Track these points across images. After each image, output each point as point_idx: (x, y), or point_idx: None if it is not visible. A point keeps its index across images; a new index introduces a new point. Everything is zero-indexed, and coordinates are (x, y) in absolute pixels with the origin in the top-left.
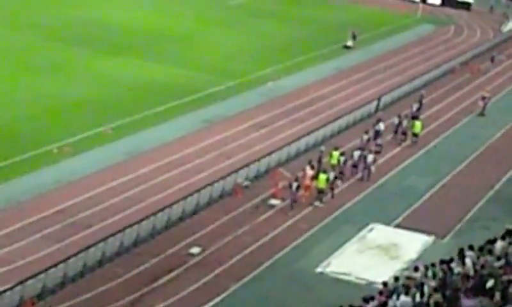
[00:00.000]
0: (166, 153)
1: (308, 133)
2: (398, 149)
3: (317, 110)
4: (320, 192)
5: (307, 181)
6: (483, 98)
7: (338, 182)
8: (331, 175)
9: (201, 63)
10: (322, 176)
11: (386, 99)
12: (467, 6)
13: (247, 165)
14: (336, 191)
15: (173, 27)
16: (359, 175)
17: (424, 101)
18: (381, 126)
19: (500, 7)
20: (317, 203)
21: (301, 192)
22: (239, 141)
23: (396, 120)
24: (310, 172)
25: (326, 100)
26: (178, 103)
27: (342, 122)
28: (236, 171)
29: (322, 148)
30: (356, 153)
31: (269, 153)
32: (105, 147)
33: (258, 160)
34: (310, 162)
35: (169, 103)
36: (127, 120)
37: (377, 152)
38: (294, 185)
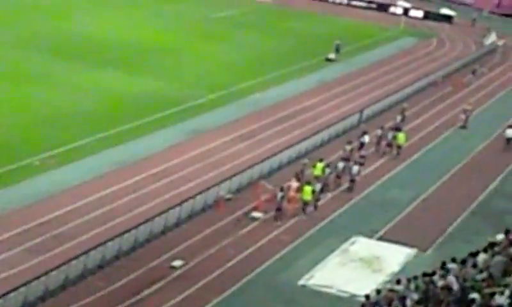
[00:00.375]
0: (150, 165)
1: (291, 146)
2: (381, 161)
3: (300, 123)
4: (306, 204)
5: (292, 193)
6: (465, 110)
7: (329, 194)
8: (317, 187)
9: (186, 75)
10: (308, 188)
11: (368, 111)
12: (449, 19)
13: (229, 177)
14: (319, 203)
15: (158, 40)
16: (343, 186)
17: (406, 113)
18: (366, 138)
19: (482, 20)
20: (301, 215)
21: (286, 203)
22: (223, 153)
23: (379, 132)
24: (295, 184)
25: (309, 113)
26: (164, 115)
27: (325, 134)
28: (218, 183)
29: (305, 160)
30: (341, 164)
31: (252, 166)
32: (90, 158)
33: (241, 172)
34: (296, 174)
35: (155, 114)
36: (112, 132)
37: (361, 164)
38: (279, 195)
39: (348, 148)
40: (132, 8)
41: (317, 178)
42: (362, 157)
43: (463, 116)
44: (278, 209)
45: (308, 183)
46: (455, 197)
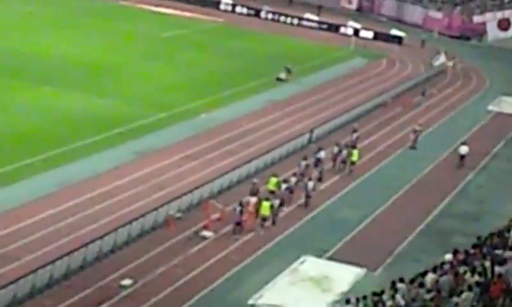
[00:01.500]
0: (97, 185)
1: (241, 165)
2: (334, 179)
3: (250, 143)
4: (264, 219)
5: (251, 208)
6: (414, 131)
7: (283, 208)
8: (276, 202)
9: (134, 95)
10: (266, 204)
11: (318, 131)
12: (399, 40)
13: (179, 196)
14: (278, 217)
15: (105, 58)
16: (295, 204)
17: (357, 133)
18: (322, 154)
19: (431, 42)
20: (259, 230)
21: (245, 217)
22: (171, 173)
23: (335, 149)
24: (253, 200)
25: (259, 132)
26: (110, 135)
27: (275, 154)
28: (168, 202)
29: (255, 180)
30: (293, 180)
31: (202, 185)
32: (35, 178)
33: (191, 191)
34: (254, 191)
35: (101, 134)
36: (58, 151)
37: (319, 179)
38: (238, 209)
39: (303, 163)
40: (79, 26)
41: (272, 193)
42: (320, 172)
43: (412, 136)
44: (237, 223)
45: (267, 198)
46: (404, 217)
